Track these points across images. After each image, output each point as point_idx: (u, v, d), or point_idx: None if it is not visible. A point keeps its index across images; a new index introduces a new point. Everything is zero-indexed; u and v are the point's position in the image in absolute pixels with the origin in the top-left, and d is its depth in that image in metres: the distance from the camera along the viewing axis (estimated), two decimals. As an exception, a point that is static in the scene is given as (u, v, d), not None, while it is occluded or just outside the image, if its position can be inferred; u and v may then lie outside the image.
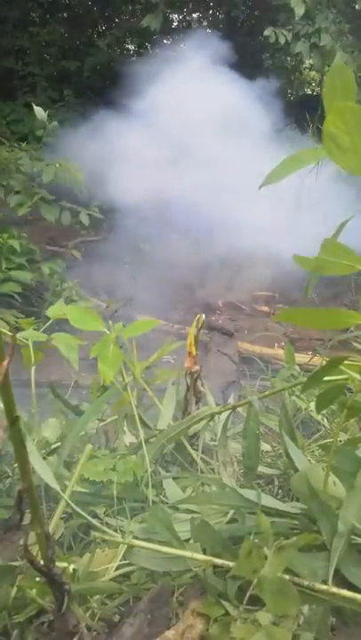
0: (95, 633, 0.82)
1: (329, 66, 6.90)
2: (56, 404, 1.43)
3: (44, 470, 0.89)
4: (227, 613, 0.82)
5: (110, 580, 0.89)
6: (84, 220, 4.75)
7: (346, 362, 0.95)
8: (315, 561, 0.84)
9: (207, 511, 0.99)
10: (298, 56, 7.42)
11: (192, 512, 1.00)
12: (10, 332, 1.01)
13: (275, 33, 6.86)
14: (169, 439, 1.20)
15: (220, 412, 1.28)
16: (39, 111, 4.14)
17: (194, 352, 1.35)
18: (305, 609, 0.83)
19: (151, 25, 7.46)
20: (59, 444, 1.19)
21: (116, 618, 0.85)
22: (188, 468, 1.21)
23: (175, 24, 9.25)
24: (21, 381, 1.34)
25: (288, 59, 8.57)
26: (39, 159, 4.59)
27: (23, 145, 5.05)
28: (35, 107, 4.13)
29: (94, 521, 0.93)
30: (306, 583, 0.80)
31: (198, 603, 0.84)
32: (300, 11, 6.53)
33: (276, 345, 4.54)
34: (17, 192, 4.52)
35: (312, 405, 1.35)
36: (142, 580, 0.91)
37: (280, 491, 1.21)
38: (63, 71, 9.13)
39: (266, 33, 6.89)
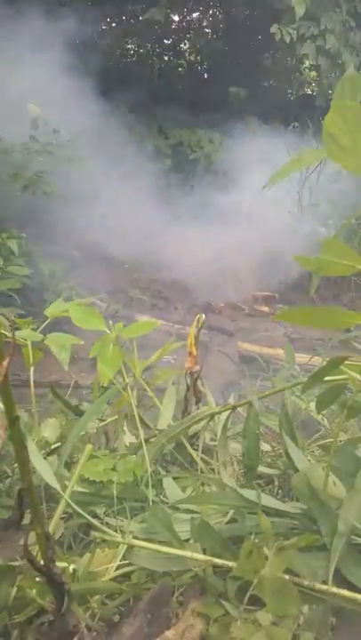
0: (95, 633, 0.82)
1: (337, 68, 6.97)
2: (56, 404, 1.43)
3: (44, 470, 0.89)
4: (227, 613, 0.82)
5: (110, 579, 0.89)
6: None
7: (346, 362, 0.95)
8: (315, 561, 0.84)
9: (207, 511, 0.99)
10: (305, 57, 7.40)
11: (192, 512, 1.00)
12: (10, 330, 1.01)
13: (280, 30, 6.89)
14: (169, 439, 1.20)
15: (220, 412, 1.28)
16: (33, 108, 4.14)
17: (194, 352, 1.35)
18: (305, 609, 0.83)
19: (155, 16, 7.48)
20: (59, 444, 1.19)
21: (116, 618, 0.85)
22: (188, 467, 1.21)
23: (175, 24, 9.25)
24: (21, 381, 1.34)
25: (288, 58, 8.56)
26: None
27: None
28: (29, 105, 4.13)
29: (94, 521, 0.93)
30: (306, 583, 0.80)
31: (198, 603, 0.84)
32: (300, 10, 6.54)
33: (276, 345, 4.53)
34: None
35: (312, 405, 1.35)
36: (142, 580, 0.91)
37: (280, 491, 1.21)
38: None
39: (272, 30, 6.92)
